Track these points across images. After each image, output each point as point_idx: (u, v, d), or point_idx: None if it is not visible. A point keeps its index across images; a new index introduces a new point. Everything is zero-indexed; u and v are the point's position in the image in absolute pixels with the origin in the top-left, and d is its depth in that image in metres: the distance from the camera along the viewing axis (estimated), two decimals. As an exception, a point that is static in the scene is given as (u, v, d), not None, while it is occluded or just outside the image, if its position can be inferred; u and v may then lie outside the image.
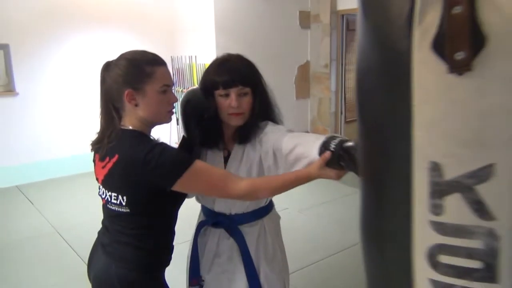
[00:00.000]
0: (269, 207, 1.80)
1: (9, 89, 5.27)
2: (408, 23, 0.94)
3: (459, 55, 0.87)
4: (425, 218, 0.93)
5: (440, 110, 0.90)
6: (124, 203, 1.43)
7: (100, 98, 1.49)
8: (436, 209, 0.92)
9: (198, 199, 1.78)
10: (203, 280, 1.74)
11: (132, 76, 1.40)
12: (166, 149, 1.40)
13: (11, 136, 5.31)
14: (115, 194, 1.43)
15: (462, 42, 0.87)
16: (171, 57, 6.22)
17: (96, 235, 1.66)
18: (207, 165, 1.49)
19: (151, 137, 1.49)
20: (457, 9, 0.87)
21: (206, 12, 5.86)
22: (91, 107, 4.75)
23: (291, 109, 6.59)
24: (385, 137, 1.02)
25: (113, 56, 1.50)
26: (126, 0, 6.00)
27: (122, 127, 1.46)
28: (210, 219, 1.72)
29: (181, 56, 6.16)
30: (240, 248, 1.66)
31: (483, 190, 0.88)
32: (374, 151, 1.08)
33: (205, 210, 1.77)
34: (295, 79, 6.80)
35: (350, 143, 1.39)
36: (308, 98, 6.99)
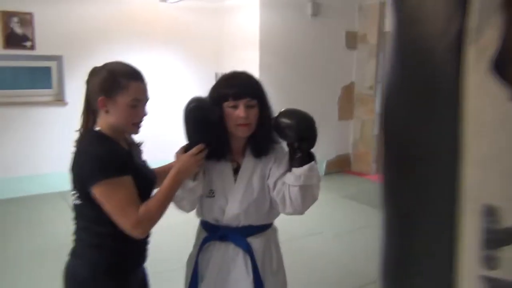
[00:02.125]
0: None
1: (59, 99, 5.45)
2: (457, 41, 0.83)
3: None
4: (475, 273, 0.81)
5: (499, 144, 0.79)
6: (75, 192, 1.52)
7: (83, 100, 1.60)
8: (490, 261, 0.79)
9: (200, 214, 1.75)
10: None
11: (107, 85, 1.51)
12: (103, 152, 1.49)
13: (59, 144, 5.47)
14: (72, 186, 1.52)
15: None
16: (216, 73, 6.29)
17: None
18: (128, 187, 1.48)
19: (115, 140, 1.56)
20: None
21: (251, 30, 5.90)
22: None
23: (333, 130, 6.50)
24: (422, 172, 0.91)
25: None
26: (174, 19, 6.13)
27: (93, 128, 1.58)
28: (216, 234, 1.70)
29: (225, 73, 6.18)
30: (249, 260, 1.66)
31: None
32: (404, 187, 0.96)
33: (208, 226, 1.75)
34: (338, 100, 6.70)
35: None
36: (351, 120, 6.87)
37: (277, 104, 1.73)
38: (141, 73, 1.59)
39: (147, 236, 1.63)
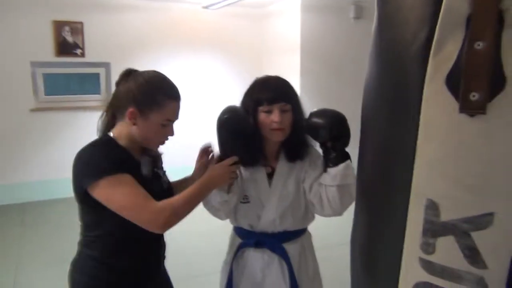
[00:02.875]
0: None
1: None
2: (424, 50, 0.87)
3: (474, 96, 0.81)
4: (415, 254, 0.92)
5: (445, 150, 0.87)
6: (75, 196, 1.42)
7: (108, 100, 1.50)
8: (427, 247, 0.90)
9: (234, 220, 1.71)
10: None
11: (143, 97, 1.39)
12: (100, 153, 1.39)
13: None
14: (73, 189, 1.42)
15: (479, 82, 0.81)
16: (257, 77, 6.40)
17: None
18: (130, 181, 1.35)
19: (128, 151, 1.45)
20: (479, 45, 0.80)
21: (292, 35, 5.95)
22: (182, 125, 5.02)
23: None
24: (387, 166, 1.00)
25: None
26: (217, 25, 6.28)
27: (107, 134, 1.47)
28: (251, 240, 1.68)
29: (267, 78, 6.28)
30: (285, 266, 1.65)
31: (479, 238, 0.85)
32: (375, 177, 1.07)
33: (242, 232, 1.72)
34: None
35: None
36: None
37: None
38: (179, 92, 1.49)
39: (152, 250, 1.54)
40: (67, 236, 1.44)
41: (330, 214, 1.59)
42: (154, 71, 1.50)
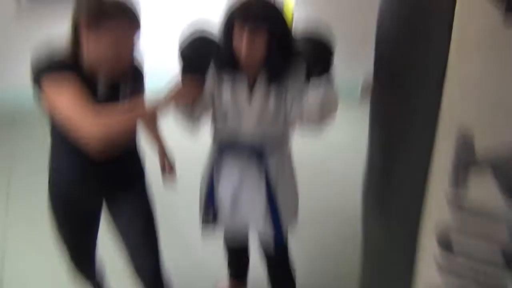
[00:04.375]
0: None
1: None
2: None
3: None
4: (443, 192, 0.80)
5: (484, 65, 0.72)
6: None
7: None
8: (458, 183, 0.77)
9: (213, 133, 1.72)
10: (222, 208, 1.77)
11: (92, 13, 1.30)
12: (51, 56, 1.32)
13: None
14: None
15: None
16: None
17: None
18: (71, 86, 1.27)
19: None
20: None
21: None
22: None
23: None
24: (411, 91, 0.86)
25: None
26: None
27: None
28: (230, 149, 1.71)
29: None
30: (263, 176, 1.68)
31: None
32: (391, 101, 0.94)
33: (221, 143, 1.73)
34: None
35: None
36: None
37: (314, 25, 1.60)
38: (125, 8, 1.34)
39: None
40: None
41: (310, 128, 1.57)
42: None
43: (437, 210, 0.81)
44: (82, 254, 1.79)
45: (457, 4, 0.73)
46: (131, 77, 1.48)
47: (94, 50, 1.33)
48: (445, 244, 0.81)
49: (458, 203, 0.78)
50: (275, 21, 1.53)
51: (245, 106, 1.60)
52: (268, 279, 1.99)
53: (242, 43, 1.47)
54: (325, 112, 1.50)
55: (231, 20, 1.49)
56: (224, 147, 1.72)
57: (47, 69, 1.30)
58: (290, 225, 1.78)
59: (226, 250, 2.26)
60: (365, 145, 1.24)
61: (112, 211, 1.68)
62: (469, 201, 0.78)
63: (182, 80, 1.50)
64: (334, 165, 3.82)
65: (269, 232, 1.74)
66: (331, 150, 3.98)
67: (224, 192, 1.76)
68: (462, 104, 0.76)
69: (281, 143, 1.73)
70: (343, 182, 3.41)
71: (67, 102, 1.27)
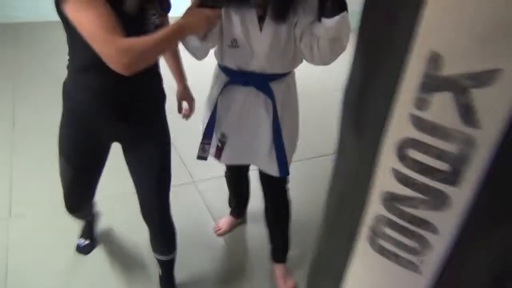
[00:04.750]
0: None
1: None
2: None
3: None
4: (407, 109, 0.87)
5: None
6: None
7: None
8: (421, 103, 0.84)
9: (221, 60, 1.68)
10: (226, 137, 1.79)
11: None
12: None
13: None
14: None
15: None
16: None
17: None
18: (102, 8, 1.20)
19: None
20: None
21: None
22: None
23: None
24: (389, 12, 0.89)
25: None
26: None
27: None
28: (239, 78, 1.68)
29: None
30: (270, 103, 1.69)
31: (478, 96, 0.78)
32: (377, 25, 0.96)
33: (229, 71, 1.69)
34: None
35: None
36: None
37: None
38: None
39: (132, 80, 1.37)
40: (62, 56, 1.45)
41: (319, 63, 1.55)
42: None
43: (400, 124, 0.89)
44: (82, 189, 1.78)
45: None
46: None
47: None
48: (402, 157, 0.90)
49: (418, 122, 0.86)
50: None
51: (256, 36, 1.55)
52: (265, 210, 2.07)
53: None
54: (336, 46, 1.46)
55: None
56: (231, 76, 1.70)
57: None
58: (291, 155, 1.83)
59: (228, 186, 2.36)
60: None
61: (129, 156, 1.66)
62: (427, 121, 0.85)
63: (200, 10, 1.40)
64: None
65: (273, 161, 1.78)
66: (338, 80, 3.96)
67: (229, 121, 1.77)
68: (437, 30, 0.79)
69: (289, 73, 1.73)
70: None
71: (94, 19, 1.18)
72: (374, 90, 0.97)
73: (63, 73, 1.52)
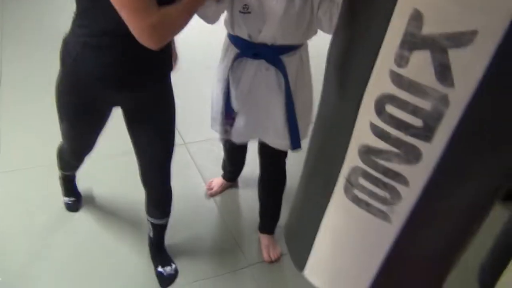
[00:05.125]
0: None
1: None
2: None
3: None
4: (387, 66, 0.91)
5: None
6: None
7: None
8: (401, 60, 0.88)
9: (231, 28, 1.61)
10: (236, 113, 1.73)
11: None
12: None
13: None
14: None
15: None
16: None
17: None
18: None
19: None
20: None
21: None
22: None
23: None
24: None
25: None
26: None
27: None
28: (249, 50, 1.62)
29: None
30: (282, 78, 1.63)
31: (454, 56, 0.82)
32: None
33: (239, 41, 1.63)
34: None
35: None
36: None
37: None
38: None
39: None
40: (49, 8, 1.39)
41: (328, 32, 1.49)
42: None
43: (379, 80, 0.93)
44: (86, 146, 1.76)
45: None
46: None
47: None
48: (379, 111, 0.95)
49: (396, 79, 0.90)
50: None
51: (270, 2, 1.48)
52: (259, 180, 2.06)
53: None
54: None
55: None
56: (242, 48, 1.63)
57: None
58: (305, 130, 1.78)
59: (225, 153, 2.33)
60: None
61: (131, 121, 1.63)
62: (405, 78, 0.89)
63: None
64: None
65: (285, 137, 1.73)
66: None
67: (239, 96, 1.70)
68: None
69: (301, 46, 1.66)
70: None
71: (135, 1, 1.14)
72: (357, 47, 1.00)
73: (56, 28, 1.47)
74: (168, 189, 1.80)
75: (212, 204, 2.42)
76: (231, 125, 1.75)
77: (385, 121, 0.95)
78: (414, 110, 0.90)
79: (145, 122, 1.61)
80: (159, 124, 1.64)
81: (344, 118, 1.05)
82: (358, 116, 1.00)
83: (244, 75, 1.67)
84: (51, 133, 1.96)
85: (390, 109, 0.93)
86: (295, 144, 1.75)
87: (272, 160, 1.95)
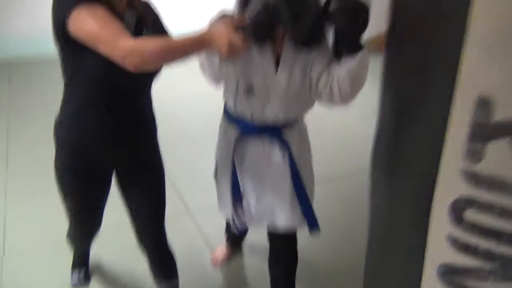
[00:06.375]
0: None
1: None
2: None
3: None
4: (457, 165, 0.76)
5: (506, 26, 0.67)
6: (56, 41, 1.35)
7: None
8: (473, 155, 0.73)
9: (233, 109, 1.63)
10: (243, 192, 1.70)
11: None
12: None
13: None
14: (53, 34, 1.35)
15: None
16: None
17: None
18: (106, 13, 1.25)
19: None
20: None
21: None
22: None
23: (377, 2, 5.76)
24: (426, 49, 0.82)
25: None
26: None
27: None
28: (251, 129, 1.62)
29: None
30: (286, 152, 1.61)
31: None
32: (409, 62, 0.89)
33: (241, 123, 1.64)
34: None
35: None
36: None
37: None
38: None
39: (127, 113, 1.45)
40: (56, 94, 1.45)
41: (339, 103, 1.50)
42: None
43: (450, 182, 0.77)
44: (93, 218, 1.77)
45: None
46: (151, 17, 1.47)
47: None
48: (458, 219, 0.76)
49: (472, 177, 0.74)
50: None
51: (272, 78, 1.51)
52: (270, 256, 1.91)
53: None
54: (356, 84, 1.41)
55: None
56: (243, 127, 1.65)
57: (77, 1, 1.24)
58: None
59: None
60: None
61: (125, 182, 1.67)
62: (484, 174, 0.73)
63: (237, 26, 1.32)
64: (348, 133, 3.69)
65: (296, 214, 1.66)
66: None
67: (245, 177, 1.70)
68: (483, 68, 0.71)
69: (301, 117, 1.69)
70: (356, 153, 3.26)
71: (101, 23, 1.21)
72: (413, 147, 0.86)
73: (57, 111, 1.51)
74: (166, 246, 1.75)
75: (218, 275, 2.28)
76: (241, 206, 1.70)
77: (467, 231, 0.76)
78: (503, 213, 0.72)
79: (136, 177, 1.63)
80: (150, 179, 1.65)
81: (409, 235, 0.86)
82: (429, 230, 0.82)
83: (247, 154, 1.66)
84: (57, 221, 1.95)
85: (471, 215, 0.75)
86: (313, 226, 1.67)
87: (284, 245, 1.84)
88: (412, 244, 0.86)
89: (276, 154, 1.64)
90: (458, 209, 0.77)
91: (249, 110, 1.59)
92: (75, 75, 1.37)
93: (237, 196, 1.71)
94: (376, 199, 1.03)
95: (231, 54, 1.26)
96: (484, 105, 0.72)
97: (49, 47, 1.32)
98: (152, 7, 1.52)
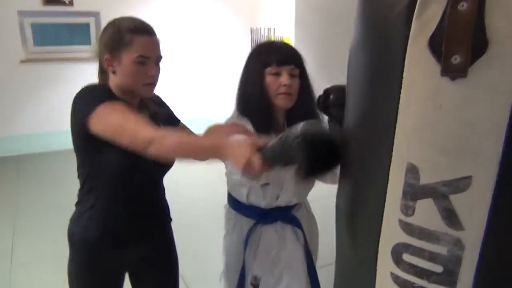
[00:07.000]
0: None
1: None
2: (408, 11, 0.85)
3: (456, 59, 0.80)
4: (395, 216, 0.94)
5: (425, 114, 0.86)
6: (74, 146, 1.44)
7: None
8: (407, 209, 0.92)
9: (247, 200, 1.61)
10: (259, 279, 1.68)
11: (112, 42, 1.39)
12: (97, 87, 1.43)
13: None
14: (72, 138, 1.45)
15: (461, 45, 0.80)
16: (251, 28, 6.29)
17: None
18: (127, 108, 1.34)
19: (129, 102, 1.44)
20: (463, 6, 0.78)
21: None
22: (172, 72, 5.04)
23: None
24: (371, 130, 1.01)
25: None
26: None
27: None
28: (265, 217, 1.62)
29: (260, 28, 6.22)
30: (299, 232, 1.65)
31: (457, 200, 0.87)
32: (358, 140, 1.08)
33: (254, 212, 1.63)
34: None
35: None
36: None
37: (312, 62, 1.66)
38: (150, 27, 1.43)
39: (142, 210, 1.53)
40: (63, 187, 1.46)
41: (330, 183, 1.54)
42: (127, 16, 1.46)
43: (391, 230, 0.97)
44: None
45: (406, 54, 0.87)
46: (164, 113, 1.57)
47: (122, 74, 1.40)
48: (398, 261, 0.96)
49: (406, 227, 0.93)
50: (303, 65, 1.56)
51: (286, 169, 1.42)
52: None
53: (277, 82, 1.47)
54: None
55: (261, 67, 1.50)
56: (259, 216, 1.63)
57: (98, 99, 1.33)
58: None
59: None
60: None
61: (138, 282, 1.68)
62: (415, 225, 0.92)
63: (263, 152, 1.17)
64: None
65: None
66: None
67: (260, 261, 1.67)
68: (408, 144, 0.90)
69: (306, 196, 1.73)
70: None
71: (123, 115, 1.30)
72: (363, 201, 1.06)
73: (71, 209, 1.55)
74: None
75: None
76: None
77: (405, 270, 0.95)
78: (431, 257, 0.91)
79: (152, 275, 1.64)
80: (166, 274, 1.67)
81: (364, 272, 1.06)
82: (377, 268, 1.01)
83: (261, 240, 1.66)
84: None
85: (407, 257, 0.94)
86: None
87: None
88: (363, 282, 1.06)
89: (289, 232, 1.65)
90: (397, 252, 0.95)
91: (262, 200, 1.59)
92: (93, 172, 1.43)
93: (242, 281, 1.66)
94: (340, 244, 1.22)
95: (246, 171, 1.17)
96: (412, 171, 0.91)
97: (54, 141, 1.38)
98: (163, 103, 1.61)
